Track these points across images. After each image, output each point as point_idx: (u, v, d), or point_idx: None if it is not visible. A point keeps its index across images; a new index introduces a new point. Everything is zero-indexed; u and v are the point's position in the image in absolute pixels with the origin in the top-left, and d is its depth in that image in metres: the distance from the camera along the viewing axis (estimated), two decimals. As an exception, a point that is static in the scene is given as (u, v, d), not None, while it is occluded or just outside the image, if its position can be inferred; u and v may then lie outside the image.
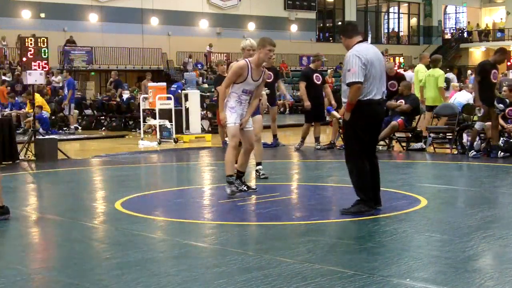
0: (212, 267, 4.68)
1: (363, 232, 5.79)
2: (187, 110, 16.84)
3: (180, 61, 34.44)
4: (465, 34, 47.46)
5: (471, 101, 14.85)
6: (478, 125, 11.25)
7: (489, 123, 11.72)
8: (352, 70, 6.28)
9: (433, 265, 4.69)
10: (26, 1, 30.45)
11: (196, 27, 35.85)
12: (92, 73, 32.05)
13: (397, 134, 13.20)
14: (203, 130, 17.86)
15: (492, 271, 4.54)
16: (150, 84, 17.55)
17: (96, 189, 9.20)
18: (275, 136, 14.06)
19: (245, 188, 7.75)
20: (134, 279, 4.36)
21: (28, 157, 12.09)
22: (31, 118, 14.95)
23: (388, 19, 47.75)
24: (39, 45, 12.65)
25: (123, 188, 8.65)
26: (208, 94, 22.46)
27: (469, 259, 4.83)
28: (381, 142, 12.97)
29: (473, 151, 11.30)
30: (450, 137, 12.76)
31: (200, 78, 30.24)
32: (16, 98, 20.95)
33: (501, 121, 11.57)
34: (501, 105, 11.55)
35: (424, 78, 13.69)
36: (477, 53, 47.84)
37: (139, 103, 18.31)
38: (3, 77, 24.97)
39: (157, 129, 16.07)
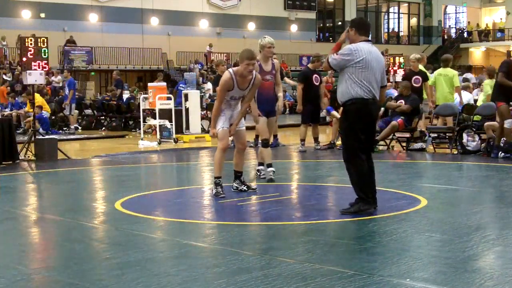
0: (212, 267, 4.68)
1: (363, 232, 5.79)
2: (187, 110, 16.84)
3: (180, 61, 34.45)
4: (465, 34, 47.45)
5: (472, 101, 14.86)
6: (508, 124, 10.86)
7: (490, 123, 11.73)
8: (339, 57, 6.44)
9: (433, 265, 4.69)
10: (26, 1, 30.46)
11: (196, 27, 35.86)
12: (92, 73, 32.06)
13: (397, 134, 13.21)
14: (203, 130, 17.84)
15: (492, 271, 4.54)
16: (150, 84, 17.54)
17: (96, 189, 9.20)
18: (275, 136, 14.06)
19: (245, 188, 7.76)
20: (134, 279, 4.36)
21: (28, 157, 12.09)
22: (31, 118, 14.94)
23: (388, 19, 47.77)
24: (39, 45, 12.64)
25: (123, 188, 8.65)
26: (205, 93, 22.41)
27: (469, 259, 4.83)
28: (381, 142, 12.98)
29: (500, 152, 11.04)
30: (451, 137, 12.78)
31: (200, 78, 30.20)
32: (16, 98, 20.97)
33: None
34: None
35: (434, 78, 13.69)
36: (477, 53, 47.86)
37: (139, 103, 18.31)
38: (4, 77, 25.01)
39: (157, 129, 16.07)
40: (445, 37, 47.72)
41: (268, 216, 6.61)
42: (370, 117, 6.53)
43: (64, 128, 20.21)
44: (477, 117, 12.75)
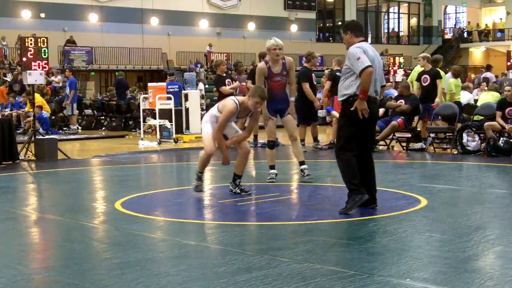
0: (212, 267, 4.68)
1: (363, 232, 5.78)
2: (187, 110, 16.84)
3: (180, 61, 34.44)
4: (465, 34, 47.45)
5: (472, 101, 14.87)
6: None
7: (490, 123, 11.74)
8: (362, 58, 6.32)
9: (433, 265, 4.69)
10: (26, 1, 30.45)
11: (196, 27, 35.85)
12: (92, 73, 32.06)
13: (397, 134, 13.21)
14: (203, 130, 17.85)
15: (492, 271, 4.54)
16: (150, 84, 17.54)
17: (96, 189, 9.20)
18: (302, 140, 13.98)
19: (238, 191, 7.73)
20: (134, 279, 4.36)
21: (28, 157, 12.09)
22: (31, 118, 14.94)
23: (388, 19, 47.74)
24: (39, 45, 12.64)
25: (123, 188, 8.65)
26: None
27: (469, 259, 4.83)
28: (381, 142, 12.98)
29: None
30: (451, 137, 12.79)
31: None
32: (16, 98, 20.97)
33: (501, 121, 11.58)
34: None
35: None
36: (477, 53, 47.85)
37: (139, 103, 18.31)
38: (6, 77, 25.01)
39: (157, 129, 16.07)
40: (452, 34, 47.61)
41: (268, 216, 6.61)
42: (370, 114, 6.52)
43: (64, 128, 20.20)
44: (477, 117, 12.76)
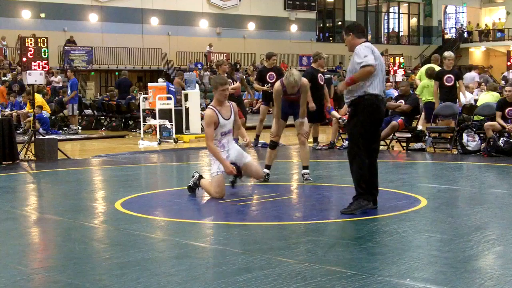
0: (212, 267, 4.68)
1: (363, 232, 5.78)
2: (187, 110, 16.83)
3: (180, 61, 34.45)
4: (465, 34, 47.47)
5: (472, 101, 14.87)
6: None
7: (490, 123, 11.75)
8: (369, 57, 6.33)
9: (433, 265, 4.69)
10: (26, 1, 30.46)
11: (196, 27, 35.86)
12: (92, 73, 32.06)
13: (397, 134, 13.21)
14: (203, 130, 17.83)
15: (492, 271, 4.54)
16: (150, 84, 17.54)
17: (96, 189, 9.20)
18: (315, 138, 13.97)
19: (229, 181, 7.79)
20: (134, 279, 4.36)
21: (28, 157, 12.09)
22: (31, 118, 14.95)
23: (388, 19, 47.76)
24: (39, 45, 12.63)
25: (123, 188, 8.65)
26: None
27: (469, 259, 4.83)
28: (381, 142, 12.97)
29: None
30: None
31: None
32: (16, 98, 20.97)
33: (501, 121, 11.58)
34: None
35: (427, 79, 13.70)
36: (477, 53, 47.87)
37: (139, 103, 18.31)
38: (6, 77, 25.01)
39: (157, 129, 16.07)
40: (457, 33, 47.57)
41: (268, 216, 6.61)
42: (379, 113, 6.52)
43: (65, 128, 20.20)
44: (477, 117, 12.76)
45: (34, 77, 12.48)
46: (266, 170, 8.78)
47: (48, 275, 4.58)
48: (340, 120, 13.57)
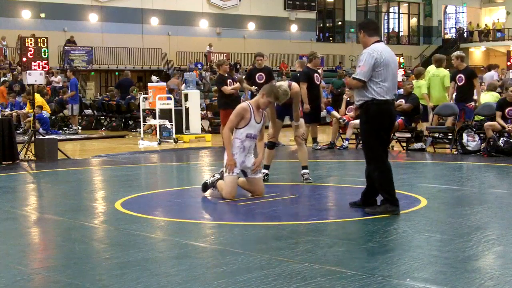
0: (212, 267, 4.68)
1: (363, 232, 5.79)
2: (187, 110, 16.83)
3: (180, 61, 34.43)
4: (465, 34, 47.47)
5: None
6: None
7: (490, 123, 11.74)
8: (362, 67, 6.29)
9: (433, 265, 4.69)
10: (26, 1, 30.44)
11: (196, 27, 35.84)
12: (92, 73, 32.06)
13: (397, 134, 13.20)
14: (203, 130, 17.87)
15: (492, 271, 4.54)
16: (150, 84, 17.53)
17: (96, 189, 9.20)
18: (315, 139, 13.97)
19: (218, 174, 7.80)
20: (134, 279, 4.36)
21: (28, 157, 12.09)
22: (31, 118, 14.94)
23: (388, 19, 47.75)
24: (39, 45, 12.63)
25: (123, 188, 8.65)
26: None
27: (469, 259, 4.83)
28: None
29: None
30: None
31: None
32: (16, 98, 20.96)
33: (501, 121, 11.58)
34: None
35: (429, 79, 13.67)
36: (477, 53, 47.86)
37: (139, 103, 18.31)
38: (6, 77, 24.99)
39: (157, 129, 16.07)
40: (446, 36, 47.63)
41: (268, 216, 6.61)
42: (390, 117, 6.50)
43: (65, 128, 20.20)
44: (477, 117, 12.76)
45: (34, 77, 12.47)
46: (265, 171, 8.77)
47: (48, 275, 4.58)
48: (340, 120, 13.58)
